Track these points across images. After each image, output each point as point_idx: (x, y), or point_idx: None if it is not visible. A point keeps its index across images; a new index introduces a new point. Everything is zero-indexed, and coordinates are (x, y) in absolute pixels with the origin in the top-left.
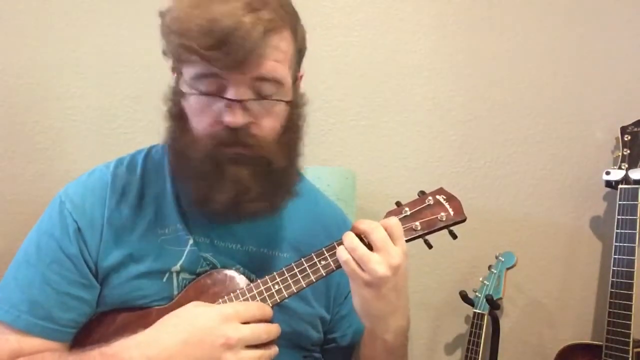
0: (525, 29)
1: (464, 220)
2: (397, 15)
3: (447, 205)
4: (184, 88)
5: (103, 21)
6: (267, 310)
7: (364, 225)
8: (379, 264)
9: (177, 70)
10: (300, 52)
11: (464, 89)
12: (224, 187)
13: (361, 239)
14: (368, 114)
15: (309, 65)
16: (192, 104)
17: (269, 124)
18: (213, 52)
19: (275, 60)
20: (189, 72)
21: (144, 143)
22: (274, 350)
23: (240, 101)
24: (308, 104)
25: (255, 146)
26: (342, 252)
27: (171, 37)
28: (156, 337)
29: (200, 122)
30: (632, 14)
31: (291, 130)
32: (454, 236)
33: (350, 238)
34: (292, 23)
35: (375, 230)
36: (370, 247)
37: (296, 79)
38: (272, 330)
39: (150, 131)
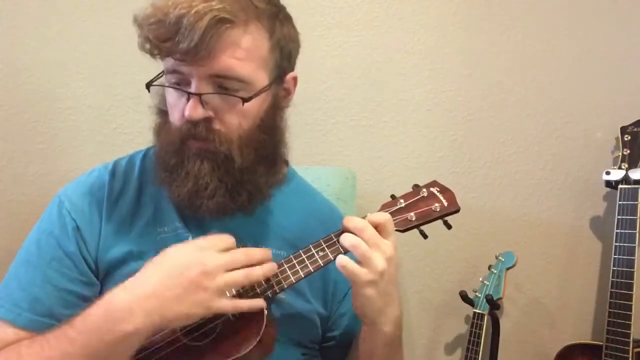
0: (525, 29)
1: (457, 211)
2: (397, 15)
3: (440, 196)
4: (164, 77)
5: (103, 21)
6: (231, 240)
7: (354, 223)
8: (378, 259)
9: None
10: (282, 51)
11: (464, 89)
12: (184, 179)
13: None
14: (368, 114)
15: (309, 65)
16: (167, 96)
17: (232, 120)
18: (165, 43)
19: (234, 57)
20: (164, 66)
21: (144, 143)
22: (264, 269)
23: (195, 94)
24: (300, 105)
25: (216, 141)
26: (342, 258)
27: (136, 30)
28: (139, 279)
29: (172, 115)
30: (632, 14)
31: (265, 131)
32: (449, 226)
33: (350, 238)
34: (266, 18)
35: (365, 229)
36: None
37: (280, 81)
38: (251, 252)
39: (150, 131)
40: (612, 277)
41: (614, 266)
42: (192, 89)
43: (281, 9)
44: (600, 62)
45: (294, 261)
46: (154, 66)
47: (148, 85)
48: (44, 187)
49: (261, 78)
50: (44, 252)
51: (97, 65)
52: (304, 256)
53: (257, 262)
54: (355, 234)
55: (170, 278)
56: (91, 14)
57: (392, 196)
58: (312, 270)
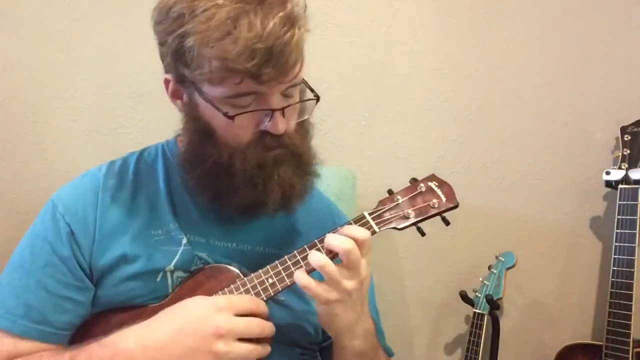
0: (525, 28)
1: (456, 206)
2: (397, 16)
3: (439, 191)
4: (218, 105)
5: (103, 21)
6: (261, 304)
7: (338, 243)
8: (348, 279)
9: (188, 89)
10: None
11: (464, 89)
12: (272, 189)
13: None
14: (368, 114)
15: (309, 65)
16: (236, 122)
17: (295, 120)
18: (259, 70)
19: (302, 64)
20: (218, 91)
21: (143, 143)
22: (267, 348)
23: (283, 109)
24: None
25: (288, 144)
26: (303, 279)
27: (205, 61)
28: (152, 327)
29: (240, 135)
30: (633, 14)
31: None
32: (447, 222)
33: (317, 257)
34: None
35: (351, 252)
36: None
37: None
38: (265, 326)
39: (150, 131)
40: (612, 277)
41: (614, 266)
42: (274, 105)
43: None
44: (600, 62)
45: (289, 262)
46: (155, 66)
47: (232, 117)
48: (44, 187)
49: None
50: (37, 258)
51: (97, 65)
52: (299, 257)
53: (267, 335)
54: (340, 256)
55: (181, 333)
56: (91, 14)
57: (389, 191)
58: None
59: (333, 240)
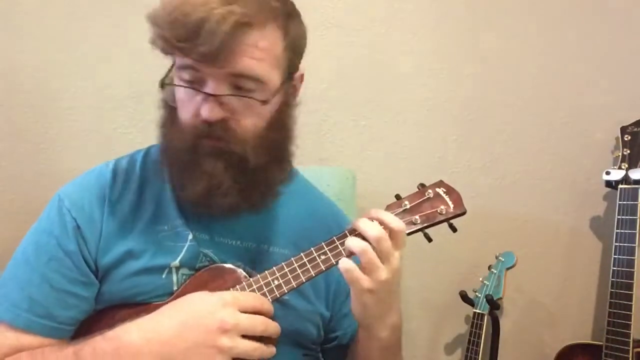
0: (525, 28)
1: (464, 213)
2: (397, 15)
3: (446, 198)
4: (172, 75)
5: (103, 21)
6: (266, 303)
7: (373, 232)
8: (383, 270)
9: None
10: (294, 50)
11: (464, 89)
12: (198, 178)
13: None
14: (368, 114)
15: (309, 65)
16: (178, 93)
17: (248, 121)
18: (184, 44)
19: (252, 58)
20: (176, 61)
21: (144, 143)
22: (271, 349)
23: (214, 95)
24: (300, 104)
25: (231, 141)
26: (346, 262)
27: (151, 27)
28: (156, 320)
29: (184, 113)
30: (632, 14)
31: (277, 129)
32: (454, 229)
33: (357, 242)
34: (281, 19)
35: (383, 240)
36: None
37: (290, 78)
38: (270, 325)
39: (150, 131)
40: (612, 277)
41: (614, 266)
42: (209, 90)
43: (293, 6)
44: (600, 62)
45: (295, 264)
46: (155, 66)
47: (162, 84)
48: (44, 187)
49: (275, 78)
50: (42, 253)
51: (97, 65)
52: (305, 259)
53: (272, 334)
54: (370, 242)
55: (186, 327)
56: (91, 14)
57: (397, 196)
58: (314, 275)
59: (366, 225)
